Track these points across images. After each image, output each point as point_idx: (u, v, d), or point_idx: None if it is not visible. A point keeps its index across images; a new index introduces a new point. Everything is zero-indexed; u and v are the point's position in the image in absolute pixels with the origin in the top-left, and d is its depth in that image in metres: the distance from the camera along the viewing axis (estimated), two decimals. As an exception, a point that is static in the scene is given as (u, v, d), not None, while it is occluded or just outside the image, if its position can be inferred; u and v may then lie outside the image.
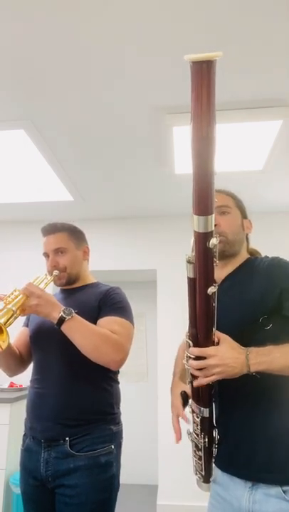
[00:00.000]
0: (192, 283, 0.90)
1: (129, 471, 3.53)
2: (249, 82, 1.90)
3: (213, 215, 0.81)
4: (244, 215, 1.29)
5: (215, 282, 0.89)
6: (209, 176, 0.77)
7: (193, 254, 0.86)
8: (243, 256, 1.25)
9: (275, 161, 2.58)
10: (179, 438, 1.16)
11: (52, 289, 1.88)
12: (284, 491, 0.98)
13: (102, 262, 3.54)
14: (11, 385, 3.21)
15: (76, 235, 1.60)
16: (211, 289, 0.88)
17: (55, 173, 2.77)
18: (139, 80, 1.88)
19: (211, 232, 0.82)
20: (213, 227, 0.82)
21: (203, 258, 0.85)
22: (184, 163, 2.63)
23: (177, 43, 1.65)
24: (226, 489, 1.10)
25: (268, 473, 1.01)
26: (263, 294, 1.09)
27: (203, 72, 0.67)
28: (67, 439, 1.30)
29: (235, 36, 1.62)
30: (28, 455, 1.38)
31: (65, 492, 1.28)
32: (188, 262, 0.88)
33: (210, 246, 0.83)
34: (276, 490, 0.99)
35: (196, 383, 0.99)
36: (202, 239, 0.83)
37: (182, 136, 2.28)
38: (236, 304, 1.13)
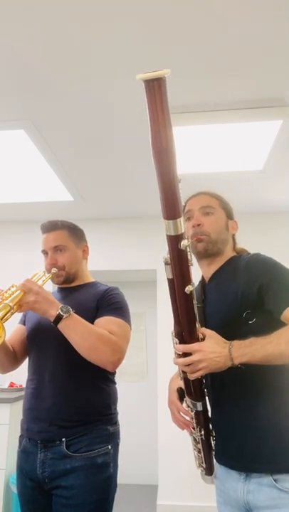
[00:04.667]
0: (171, 283, 0.96)
1: (129, 471, 3.54)
2: (249, 82, 1.90)
3: (182, 218, 0.87)
4: (230, 216, 1.32)
5: (191, 281, 0.94)
6: (173, 182, 0.83)
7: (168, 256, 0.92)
8: (228, 255, 1.29)
9: (275, 161, 2.58)
10: (188, 427, 1.18)
11: (52, 287, 1.87)
12: (275, 480, 1.02)
13: (102, 262, 3.54)
14: (11, 385, 3.21)
15: (76, 233, 1.58)
16: (188, 288, 0.93)
17: (55, 173, 2.77)
18: (138, 79, 1.88)
19: (182, 234, 0.88)
20: (184, 230, 0.88)
21: (178, 259, 0.91)
22: (184, 163, 2.63)
23: (177, 43, 1.65)
24: (224, 482, 1.14)
25: (258, 464, 1.05)
26: (244, 289, 1.13)
27: (156, 89, 0.75)
28: (63, 439, 1.29)
29: (235, 36, 1.62)
30: (25, 456, 1.36)
31: (62, 493, 1.26)
32: (166, 263, 0.94)
33: (181, 247, 0.89)
34: (267, 479, 1.03)
35: (190, 377, 1.03)
36: (174, 241, 0.89)
37: (182, 136, 2.28)
38: (222, 300, 1.18)
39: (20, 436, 1.43)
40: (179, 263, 0.91)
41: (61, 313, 1.25)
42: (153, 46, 1.68)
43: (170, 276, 0.95)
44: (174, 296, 0.97)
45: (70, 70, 1.82)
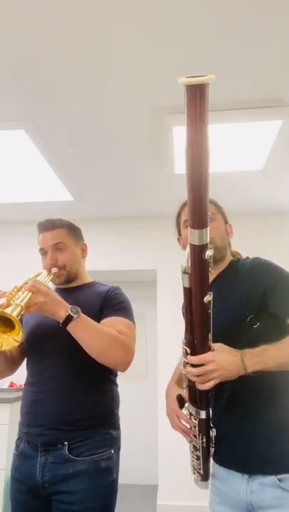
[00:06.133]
0: (188, 292, 0.93)
1: (129, 471, 3.53)
2: (249, 82, 1.90)
3: (208, 228, 0.84)
4: (226, 221, 1.32)
5: (210, 291, 0.92)
6: (204, 191, 0.80)
7: (189, 264, 0.89)
8: (228, 260, 1.29)
9: (275, 161, 2.57)
10: (189, 435, 1.16)
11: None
12: (279, 480, 1.02)
13: (102, 262, 3.54)
14: (11, 385, 3.21)
15: (74, 231, 1.55)
16: (207, 298, 0.91)
17: (55, 173, 2.77)
18: (138, 79, 1.88)
19: (206, 244, 0.85)
20: (208, 240, 0.85)
21: (199, 269, 0.88)
22: (184, 163, 2.62)
23: (177, 43, 1.65)
24: (225, 483, 1.14)
25: (263, 465, 1.05)
26: (248, 294, 1.14)
27: (198, 95, 0.70)
28: (65, 443, 1.25)
29: (235, 36, 1.62)
30: (23, 460, 1.31)
31: (64, 499, 1.21)
32: (184, 272, 0.90)
33: (206, 257, 0.86)
34: (271, 479, 1.03)
35: (200, 387, 1.00)
36: (198, 251, 0.86)
37: (182, 135, 2.28)
38: (224, 306, 1.16)
39: (17, 439, 1.39)
40: (200, 273, 0.89)
41: (71, 313, 1.20)
42: (153, 46, 1.67)
43: (187, 285, 0.92)
44: (189, 306, 0.94)
45: (70, 71, 1.82)
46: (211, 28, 1.58)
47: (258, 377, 1.02)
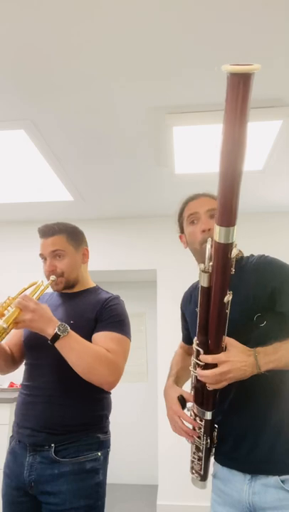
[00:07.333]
0: (207, 292, 0.90)
1: (129, 471, 3.54)
2: (249, 82, 1.90)
3: (236, 226, 0.81)
4: None
5: (230, 290, 0.90)
6: (237, 188, 0.77)
7: (211, 264, 0.87)
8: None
9: (275, 161, 2.58)
10: (192, 437, 1.14)
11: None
12: (282, 481, 1.01)
13: (103, 262, 3.54)
14: (11, 385, 3.21)
15: (75, 236, 1.54)
16: (227, 298, 0.89)
17: (55, 173, 2.77)
18: (138, 79, 1.88)
19: (232, 243, 0.83)
20: (234, 239, 0.83)
21: (222, 268, 0.86)
22: (183, 163, 2.63)
23: (177, 43, 1.65)
24: (226, 483, 1.13)
25: (267, 465, 1.04)
26: (255, 292, 1.12)
27: (241, 85, 0.68)
28: (52, 445, 1.28)
29: (235, 37, 1.62)
30: (13, 458, 1.35)
31: (50, 500, 1.25)
32: (204, 271, 0.88)
33: (231, 256, 0.84)
34: (274, 479, 1.02)
35: (211, 387, 0.99)
36: (222, 249, 0.83)
37: (182, 135, 2.28)
38: (231, 304, 1.14)
39: (10, 437, 1.42)
40: (223, 272, 0.86)
41: (58, 332, 1.23)
42: (153, 46, 1.67)
43: (206, 285, 0.89)
44: (207, 305, 0.92)
45: (70, 71, 1.82)
46: (211, 28, 1.58)
47: (265, 375, 1.00)
